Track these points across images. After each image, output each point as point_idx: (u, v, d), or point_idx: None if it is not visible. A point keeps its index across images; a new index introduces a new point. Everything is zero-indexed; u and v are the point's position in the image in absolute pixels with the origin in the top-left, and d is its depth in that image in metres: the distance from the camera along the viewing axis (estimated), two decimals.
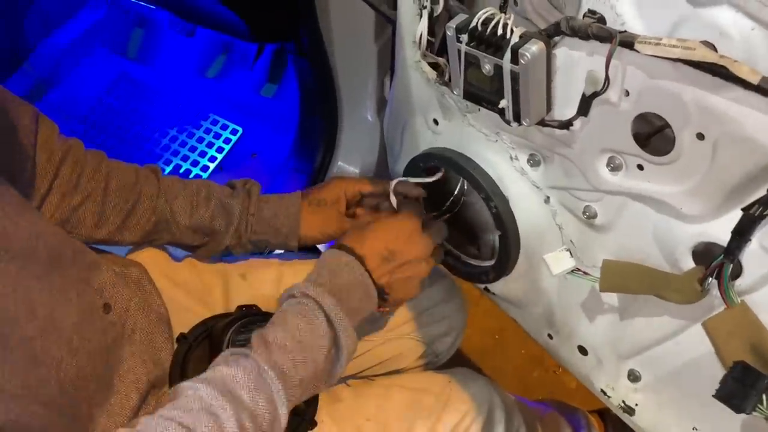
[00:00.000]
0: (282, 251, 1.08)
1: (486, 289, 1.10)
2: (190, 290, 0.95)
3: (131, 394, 0.78)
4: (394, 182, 0.98)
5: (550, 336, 1.05)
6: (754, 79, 0.58)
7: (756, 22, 0.58)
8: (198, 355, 0.90)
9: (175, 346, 0.90)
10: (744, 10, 0.58)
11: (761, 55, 0.59)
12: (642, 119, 0.73)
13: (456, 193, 1.08)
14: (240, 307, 0.94)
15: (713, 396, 0.66)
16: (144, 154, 1.62)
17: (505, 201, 0.95)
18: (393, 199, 0.97)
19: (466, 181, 1.01)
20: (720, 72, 0.60)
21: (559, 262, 0.85)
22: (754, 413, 0.64)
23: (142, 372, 0.81)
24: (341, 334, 0.76)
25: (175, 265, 0.97)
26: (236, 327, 0.89)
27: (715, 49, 0.61)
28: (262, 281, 0.98)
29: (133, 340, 0.82)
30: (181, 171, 1.58)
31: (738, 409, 0.64)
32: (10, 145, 0.80)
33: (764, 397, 0.63)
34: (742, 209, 0.68)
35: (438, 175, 0.99)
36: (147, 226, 0.92)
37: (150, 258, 0.94)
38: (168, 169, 1.59)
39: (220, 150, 1.60)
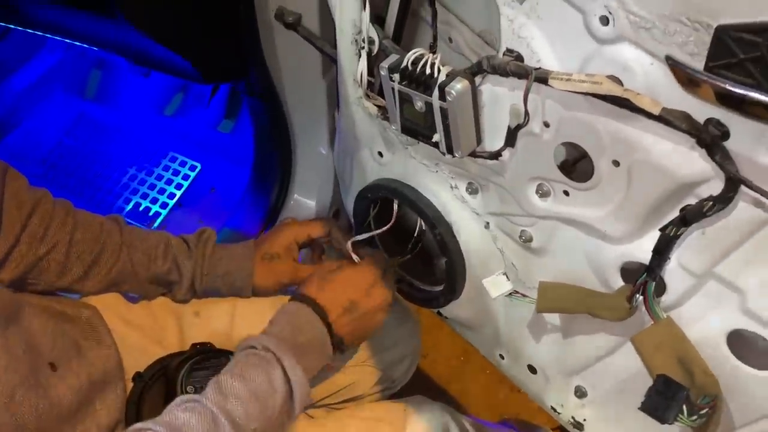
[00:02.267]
0: None
1: (439, 313, 1.13)
2: (144, 330, 0.96)
3: None
4: (349, 244, 1.01)
5: (501, 356, 1.09)
6: (656, 110, 0.62)
7: (654, 58, 0.63)
8: (154, 394, 0.91)
9: (131, 385, 0.91)
10: (643, 47, 0.63)
11: (662, 87, 0.63)
12: (568, 146, 0.77)
13: (418, 228, 1.12)
14: (194, 345, 0.96)
15: (639, 408, 0.69)
16: (104, 194, 1.63)
17: (448, 228, 0.98)
18: (354, 257, 1.01)
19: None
20: (625, 104, 0.64)
21: (497, 285, 0.89)
22: (677, 423, 0.67)
23: (97, 417, 0.82)
24: (296, 389, 0.79)
25: (128, 306, 0.99)
26: (190, 365, 0.91)
27: (621, 83, 0.66)
28: (215, 318, 1.00)
29: (83, 390, 0.82)
30: (141, 209, 1.60)
31: (662, 420, 0.67)
32: None
33: (685, 408, 0.67)
34: (660, 230, 0.72)
35: (387, 226, 1.03)
36: (109, 276, 0.94)
37: (103, 300, 0.96)
38: (128, 207, 1.61)
39: (179, 186, 1.62)
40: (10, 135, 1.73)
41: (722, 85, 0.55)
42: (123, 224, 0.98)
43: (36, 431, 0.73)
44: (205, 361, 0.91)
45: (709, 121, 0.61)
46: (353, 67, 0.94)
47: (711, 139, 0.61)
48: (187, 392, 0.86)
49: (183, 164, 1.66)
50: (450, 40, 0.99)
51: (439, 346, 1.69)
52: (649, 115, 0.63)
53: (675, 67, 0.59)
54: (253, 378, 0.76)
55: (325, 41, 1.10)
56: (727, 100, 0.56)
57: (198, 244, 0.99)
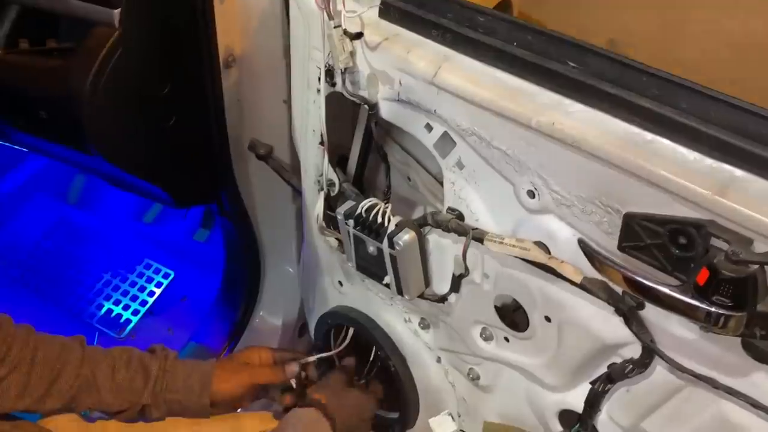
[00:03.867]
0: None
1: None
2: None
3: None
4: (296, 367, 1.03)
5: None
6: (577, 279, 0.68)
7: (576, 230, 0.68)
8: None
9: None
10: (566, 221, 0.69)
11: (584, 257, 0.69)
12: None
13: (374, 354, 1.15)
14: None
15: None
16: (76, 299, 1.65)
17: (402, 359, 1.02)
18: (293, 382, 1.02)
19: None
20: (551, 270, 0.70)
21: (442, 426, 0.91)
22: None
23: None
24: None
25: (86, 427, 1.00)
26: None
27: (548, 250, 0.71)
28: None
29: None
30: (113, 315, 1.62)
31: None
32: None
33: None
34: (590, 383, 0.76)
35: (341, 347, 1.07)
36: (70, 392, 0.95)
37: (61, 422, 0.97)
38: (100, 313, 1.63)
39: (151, 294, 1.65)
40: None
41: (627, 273, 0.61)
42: (84, 342, 1.00)
43: None
44: None
45: (626, 291, 0.66)
46: (315, 204, 1.00)
47: (627, 309, 0.66)
48: None
49: (157, 271, 1.69)
50: (408, 179, 1.05)
51: None
52: (571, 282, 0.69)
53: (587, 250, 0.64)
54: None
55: (293, 173, 1.17)
56: (632, 285, 0.61)
57: (163, 350, 1.01)
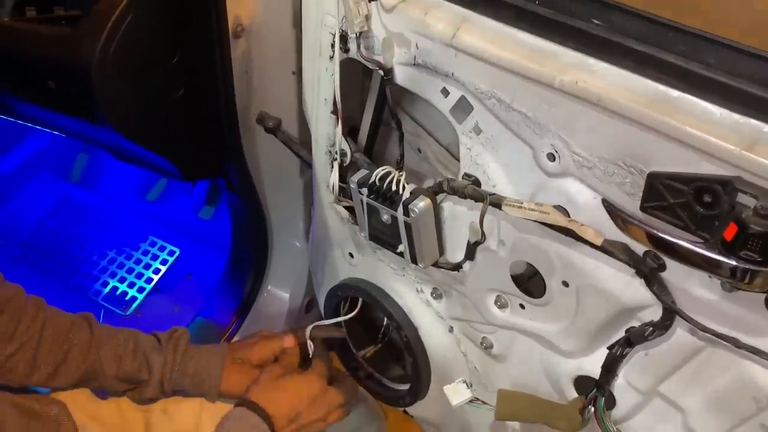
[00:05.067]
0: None
1: (405, 411, 1.15)
2: (111, 427, 0.97)
3: None
4: (309, 328, 1.05)
5: None
6: (597, 242, 0.67)
7: (597, 193, 0.68)
8: None
9: None
10: (586, 183, 0.68)
11: (604, 219, 0.68)
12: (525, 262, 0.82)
13: (385, 322, 1.15)
14: None
15: None
16: (82, 277, 1.65)
17: (414, 330, 1.01)
18: (310, 344, 1.03)
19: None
20: (571, 233, 0.69)
21: (457, 393, 0.91)
22: None
23: None
24: None
25: (97, 402, 0.99)
26: None
27: (567, 213, 0.71)
28: (182, 416, 1.00)
29: None
30: (118, 293, 1.61)
31: None
32: None
33: None
34: (607, 348, 0.76)
35: (352, 314, 1.06)
36: (77, 374, 0.95)
37: (72, 396, 0.97)
38: (105, 291, 1.62)
39: (156, 271, 1.64)
40: None
41: (653, 230, 0.60)
42: (93, 322, 0.99)
43: None
44: None
45: (647, 253, 0.66)
46: (327, 175, 0.99)
47: (649, 271, 0.66)
48: None
49: (162, 249, 1.69)
50: (419, 150, 1.05)
51: None
52: (592, 245, 0.68)
53: (610, 209, 0.64)
54: None
55: (302, 146, 1.16)
56: (657, 243, 0.60)
57: (169, 340, 1.00)
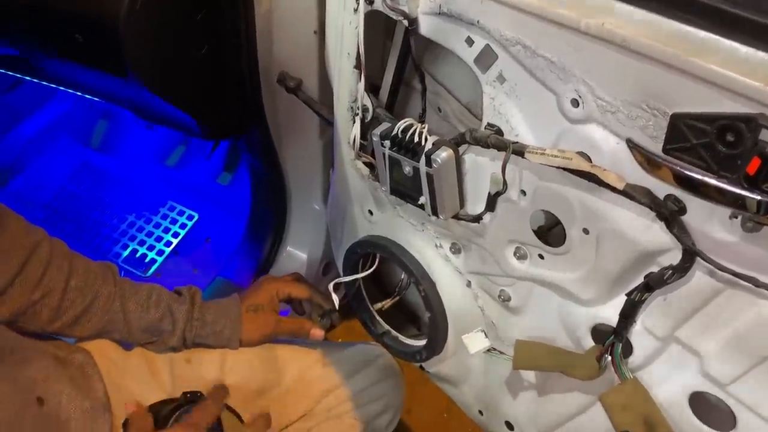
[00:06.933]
0: None
1: (421, 367, 1.17)
2: (137, 376, 0.99)
3: None
4: (331, 285, 1.06)
5: (480, 412, 1.12)
6: (620, 186, 0.69)
7: (619, 138, 0.69)
8: None
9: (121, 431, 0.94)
10: (609, 128, 0.69)
11: (626, 164, 0.69)
12: (545, 212, 0.83)
13: (401, 279, 1.17)
14: (185, 394, 0.98)
15: None
16: (102, 239, 1.68)
17: (432, 284, 1.03)
18: (334, 296, 1.04)
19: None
20: (593, 178, 0.71)
21: (475, 342, 0.93)
22: None
23: None
24: None
25: (122, 351, 1.02)
26: (180, 414, 0.94)
27: (590, 159, 0.72)
28: (206, 365, 1.03)
29: (69, 430, 0.85)
30: (137, 255, 1.65)
31: None
32: None
33: None
34: (626, 294, 0.77)
35: (369, 271, 1.08)
36: (99, 325, 0.97)
37: (97, 345, 0.99)
38: (125, 254, 1.65)
39: (176, 235, 1.67)
40: (15, 179, 1.79)
41: (678, 168, 0.61)
42: (116, 274, 1.01)
43: None
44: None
45: (668, 197, 0.67)
46: (348, 131, 1.00)
47: (669, 214, 0.67)
48: None
49: (181, 213, 1.71)
50: (439, 109, 1.06)
51: (423, 401, 1.71)
52: (614, 190, 0.69)
53: (635, 149, 0.65)
54: None
55: (322, 105, 1.17)
56: (682, 181, 0.62)
57: (189, 292, 1.03)
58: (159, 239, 1.67)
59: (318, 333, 1.10)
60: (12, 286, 0.89)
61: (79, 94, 1.34)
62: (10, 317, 0.89)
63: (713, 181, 0.58)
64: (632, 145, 0.65)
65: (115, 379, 0.97)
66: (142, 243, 1.67)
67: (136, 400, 0.94)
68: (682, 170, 0.60)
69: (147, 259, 1.64)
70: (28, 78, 1.37)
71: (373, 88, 1.03)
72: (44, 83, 1.35)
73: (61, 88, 1.32)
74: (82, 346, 0.99)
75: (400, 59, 0.97)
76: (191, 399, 0.95)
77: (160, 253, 1.65)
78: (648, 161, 0.64)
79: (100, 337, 0.99)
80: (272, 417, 1.03)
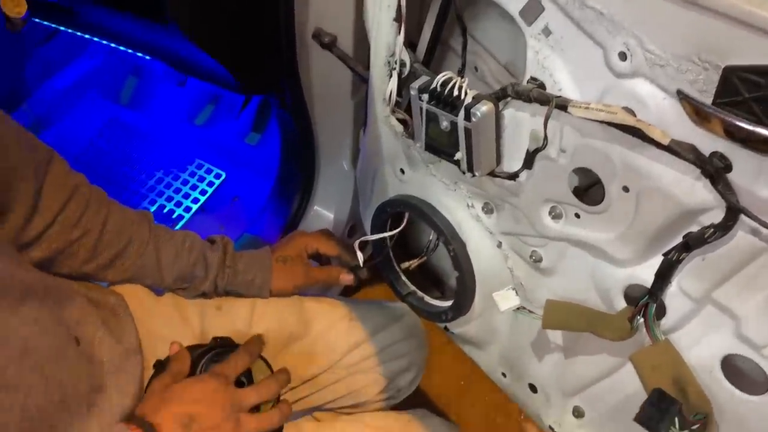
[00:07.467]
0: None
1: (446, 328, 1.17)
2: (167, 321, 1.01)
3: (101, 424, 0.81)
4: (357, 242, 1.06)
5: (504, 374, 1.12)
6: (665, 141, 0.68)
7: (666, 93, 0.68)
8: None
9: (151, 372, 0.96)
10: (656, 83, 0.68)
11: (672, 120, 0.69)
12: (581, 173, 0.82)
13: (429, 240, 1.17)
14: (215, 339, 1.00)
15: (633, 419, 0.73)
16: (130, 194, 1.70)
17: (462, 245, 1.03)
18: (359, 255, 1.05)
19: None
20: (638, 133, 0.70)
21: (506, 300, 0.93)
22: None
23: (113, 401, 0.85)
24: None
25: (154, 297, 1.04)
26: (210, 357, 0.96)
27: (634, 115, 0.71)
28: (236, 312, 1.05)
29: (103, 371, 0.86)
30: (165, 211, 1.66)
31: (653, 431, 0.71)
32: (13, 181, 0.86)
33: (676, 420, 0.71)
34: (663, 254, 0.77)
35: (397, 230, 1.08)
36: (132, 269, 0.98)
37: (130, 289, 1.01)
38: (153, 209, 1.67)
39: (203, 192, 1.68)
40: (46, 132, 1.80)
41: (730, 119, 0.61)
42: (152, 221, 1.03)
43: (58, 402, 0.76)
44: (224, 354, 0.96)
45: (713, 154, 0.66)
46: (384, 87, 1.00)
47: (715, 171, 0.66)
48: None
49: (209, 171, 1.73)
50: (476, 69, 1.05)
51: (441, 369, 1.72)
52: (658, 146, 0.69)
53: (686, 100, 0.64)
54: None
55: (357, 62, 1.17)
56: (733, 133, 0.61)
57: (222, 240, 1.04)
58: (186, 196, 1.69)
59: (347, 278, 1.11)
60: (53, 225, 0.90)
61: (113, 45, 1.34)
62: (50, 254, 0.91)
63: (766, 132, 0.57)
64: (683, 96, 0.64)
65: (146, 324, 0.98)
66: (169, 199, 1.68)
67: (177, 341, 0.95)
68: (733, 120, 0.60)
69: (174, 215, 1.65)
70: (63, 29, 1.38)
71: (410, 45, 1.03)
72: (80, 34, 1.36)
73: (96, 39, 1.32)
74: (114, 289, 1.01)
75: (440, 14, 0.96)
76: (221, 344, 0.97)
77: (188, 209, 1.67)
78: (698, 113, 0.63)
79: (133, 282, 1.00)
80: (297, 368, 1.04)
